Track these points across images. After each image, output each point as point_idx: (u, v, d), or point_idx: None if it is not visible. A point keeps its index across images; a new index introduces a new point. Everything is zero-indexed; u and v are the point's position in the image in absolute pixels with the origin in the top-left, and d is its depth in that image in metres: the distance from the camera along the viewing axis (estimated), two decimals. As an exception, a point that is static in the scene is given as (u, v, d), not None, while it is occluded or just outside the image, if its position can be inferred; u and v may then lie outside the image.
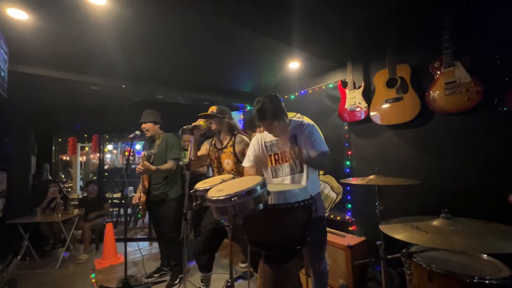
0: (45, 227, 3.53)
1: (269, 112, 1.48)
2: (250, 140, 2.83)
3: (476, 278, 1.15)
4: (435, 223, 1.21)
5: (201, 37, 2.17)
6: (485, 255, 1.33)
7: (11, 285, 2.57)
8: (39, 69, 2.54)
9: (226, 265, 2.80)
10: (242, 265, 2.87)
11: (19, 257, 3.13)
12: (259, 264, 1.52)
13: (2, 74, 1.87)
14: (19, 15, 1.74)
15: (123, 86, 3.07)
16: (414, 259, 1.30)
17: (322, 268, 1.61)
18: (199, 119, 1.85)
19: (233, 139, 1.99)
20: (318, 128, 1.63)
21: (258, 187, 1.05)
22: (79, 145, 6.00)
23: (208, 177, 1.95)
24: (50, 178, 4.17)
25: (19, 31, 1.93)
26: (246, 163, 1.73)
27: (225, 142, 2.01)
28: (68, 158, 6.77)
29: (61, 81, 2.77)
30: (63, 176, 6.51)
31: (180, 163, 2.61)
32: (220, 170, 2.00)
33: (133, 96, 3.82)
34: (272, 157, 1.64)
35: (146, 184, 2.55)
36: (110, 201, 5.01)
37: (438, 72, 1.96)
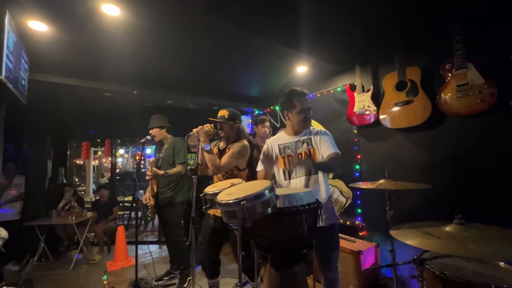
0: (60, 229, 3.65)
1: (306, 93, 1.65)
2: (258, 135, 2.83)
3: (492, 286, 1.10)
4: (448, 228, 1.18)
5: (210, 43, 2.23)
6: (502, 263, 1.27)
7: (28, 285, 2.66)
8: (56, 77, 2.65)
9: (234, 270, 2.80)
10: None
11: (35, 258, 3.25)
12: (257, 270, 1.52)
13: (23, 82, 1.97)
14: (39, 27, 1.84)
15: (135, 92, 3.17)
16: (427, 266, 1.26)
17: (333, 276, 1.58)
18: (206, 125, 1.85)
19: (234, 144, 1.91)
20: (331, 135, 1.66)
21: (266, 191, 1.06)
22: (92, 149, 6.20)
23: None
24: (65, 181, 4.31)
25: (39, 42, 2.04)
26: (258, 167, 1.77)
27: (228, 145, 1.96)
28: (81, 162, 7.00)
29: (76, 88, 2.89)
30: (77, 180, 6.72)
31: (188, 167, 2.65)
32: None
33: (144, 102, 3.93)
34: (286, 158, 1.65)
35: (155, 187, 2.60)
36: (121, 204, 5.13)
37: (450, 74, 1.92)
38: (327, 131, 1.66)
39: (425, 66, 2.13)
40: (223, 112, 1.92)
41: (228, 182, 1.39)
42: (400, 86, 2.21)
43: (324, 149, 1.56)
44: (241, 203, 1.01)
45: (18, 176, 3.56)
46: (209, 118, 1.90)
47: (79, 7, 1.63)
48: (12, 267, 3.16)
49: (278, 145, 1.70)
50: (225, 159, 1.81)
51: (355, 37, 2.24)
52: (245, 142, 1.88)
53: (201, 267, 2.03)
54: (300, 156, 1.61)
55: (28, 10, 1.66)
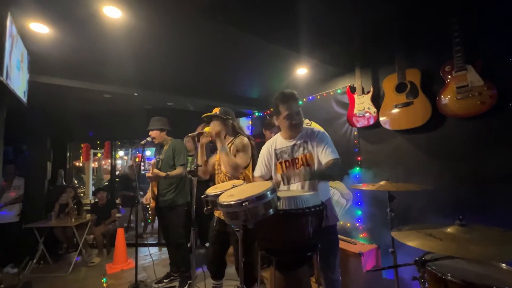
0: (59, 231, 3.62)
1: (293, 96, 1.58)
2: (266, 139, 2.81)
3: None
4: (449, 230, 1.18)
5: (210, 45, 2.24)
6: (504, 265, 1.27)
7: (27, 288, 2.64)
8: (57, 79, 2.66)
9: (232, 273, 2.78)
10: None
11: (34, 261, 3.23)
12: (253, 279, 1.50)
13: (24, 84, 1.97)
14: (41, 29, 1.84)
15: (135, 94, 3.17)
16: (429, 268, 1.26)
17: (334, 277, 1.56)
18: (205, 126, 1.84)
19: (233, 141, 1.88)
20: (329, 136, 1.63)
21: (268, 192, 1.06)
22: (92, 151, 6.17)
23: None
24: (64, 183, 4.29)
25: (40, 43, 2.04)
26: (257, 172, 1.72)
27: (227, 144, 1.90)
28: (81, 164, 6.97)
29: (77, 90, 2.89)
30: (76, 182, 6.69)
31: (187, 169, 2.64)
32: (219, 172, 1.92)
33: (145, 104, 3.94)
34: (283, 164, 1.62)
35: (155, 190, 2.60)
36: (120, 206, 5.10)
37: (449, 76, 1.93)
38: (324, 132, 1.60)
39: (425, 68, 2.14)
40: (216, 110, 1.91)
41: (229, 183, 1.39)
42: (400, 88, 2.22)
43: (322, 156, 1.50)
44: (243, 204, 1.01)
45: (17, 178, 3.55)
46: (203, 116, 1.88)
47: (81, 10, 1.64)
48: (10, 269, 3.13)
49: (275, 150, 1.66)
50: (239, 158, 1.78)
51: (355, 39, 2.26)
52: (245, 138, 1.86)
53: (201, 269, 2.02)
54: (297, 160, 1.58)
55: (30, 12, 1.67)
